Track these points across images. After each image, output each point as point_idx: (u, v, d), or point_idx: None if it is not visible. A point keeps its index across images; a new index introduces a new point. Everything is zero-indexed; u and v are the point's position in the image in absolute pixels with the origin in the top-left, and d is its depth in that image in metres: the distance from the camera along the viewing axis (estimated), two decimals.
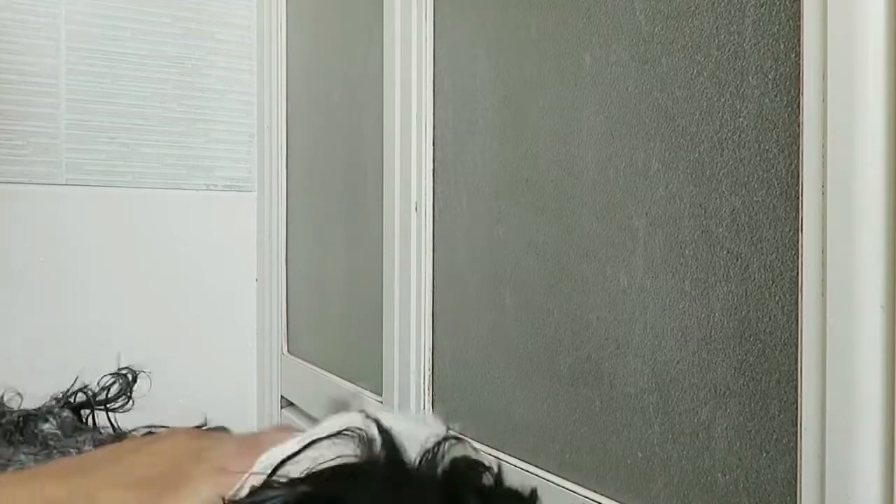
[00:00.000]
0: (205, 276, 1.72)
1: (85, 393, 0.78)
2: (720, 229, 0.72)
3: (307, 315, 1.66)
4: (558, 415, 0.91)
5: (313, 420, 1.51)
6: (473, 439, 0.93)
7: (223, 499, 0.44)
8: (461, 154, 1.10)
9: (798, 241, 0.63)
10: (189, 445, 0.53)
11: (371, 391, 1.34)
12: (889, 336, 0.57)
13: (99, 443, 0.73)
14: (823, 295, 0.60)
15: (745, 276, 0.70)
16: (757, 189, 0.69)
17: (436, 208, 1.16)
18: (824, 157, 0.60)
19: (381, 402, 1.28)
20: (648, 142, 0.79)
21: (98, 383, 0.78)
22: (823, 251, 0.60)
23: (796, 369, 0.64)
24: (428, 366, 1.17)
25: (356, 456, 0.43)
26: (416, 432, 0.45)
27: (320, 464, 0.43)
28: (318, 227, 1.60)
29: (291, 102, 1.71)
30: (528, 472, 0.94)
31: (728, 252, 0.71)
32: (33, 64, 1.58)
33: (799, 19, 0.63)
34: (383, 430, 0.44)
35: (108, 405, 0.78)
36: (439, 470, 0.44)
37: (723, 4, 0.72)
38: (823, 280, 0.60)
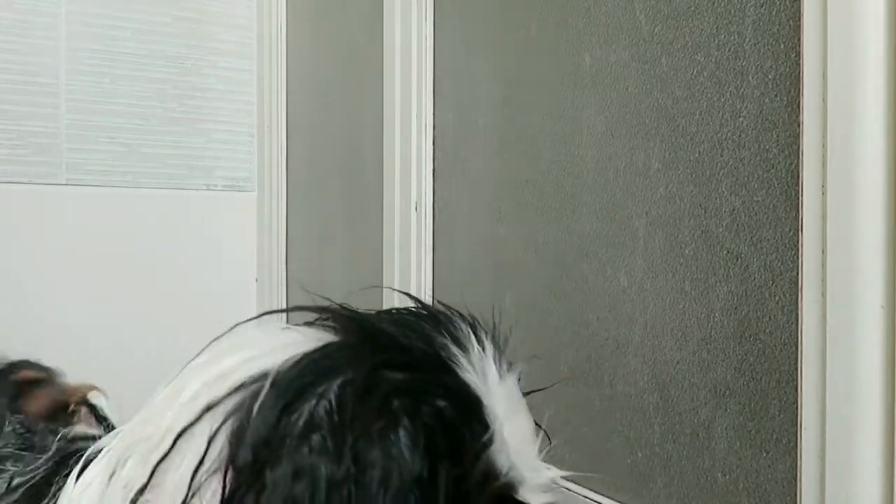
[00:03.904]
0: (205, 276, 1.72)
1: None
2: (720, 229, 0.72)
3: (307, 315, 1.66)
4: (558, 415, 0.91)
5: None
6: None
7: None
8: (461, 154, 1.10)
9: (798, 241, 0.63)
10: None
11: None
12: (889, 336, 0.57)
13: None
14: (823, 295, 0.60)
15: (745, 276, 0.70)
16: (757, 189, 0.69)
17: (436, 208, 1.16)
18: (824, 157, 0.60)
19: None
20: (648, 142, 0.79)
21: None
22: (823, 251, 0.60)
23: (796, 369, 0.64)
24: None
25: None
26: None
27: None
28: (318, 226, 1.60)
29: (291, 102, 1.70)
30: None
31: (728, 252, 0.72)
32: (33, 64, 1.58)
33: (799, 19, 0.63)
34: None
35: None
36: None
37: (723, 4, 0.72)
38: (823, 280, 0.60)
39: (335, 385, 0.41)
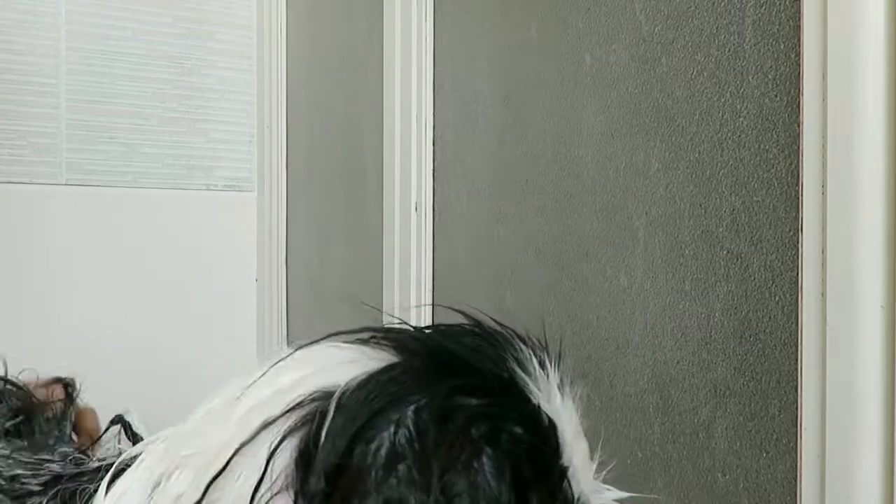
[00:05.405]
0: (205, 276, 1.72)
1: None
2: (720, 229, 0.72)
3: (307, 315, 1.66)
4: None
5: None
6: None
7: None
8: (461, 154, 1.10)
9: (798, 241, 0.63)
10: None
11: None
12: (889, 336, 0.57)
13: None
14: (823, 295, 0.60)
15: (745, 276, 0.70)
16: (757, 189, 0.69)
17: (436, 208, 1.16)
18: (824, 157, 0.60)
19: None
20: (648, 142, 0.79)
21: None
22: (823, 251, 0.60)
23: (796, 369, 0.64)
24: None
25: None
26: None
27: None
28: (318, 227, 1.60)
29: (291, 102, 1.70)
30: None
31: (728, 252, 0.72)
32: (33, 64, 1.58)
33: (799, 19, 0.63)
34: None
35: None
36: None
37: (723, 4, 0.72)
38: (823, 280, 0.60)
39: (410, 411, 0.40)
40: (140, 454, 0.45)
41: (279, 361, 0.45)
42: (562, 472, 0.42)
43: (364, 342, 0.45)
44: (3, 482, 0.54)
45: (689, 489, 0.75)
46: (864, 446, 0.58)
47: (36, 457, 0.60)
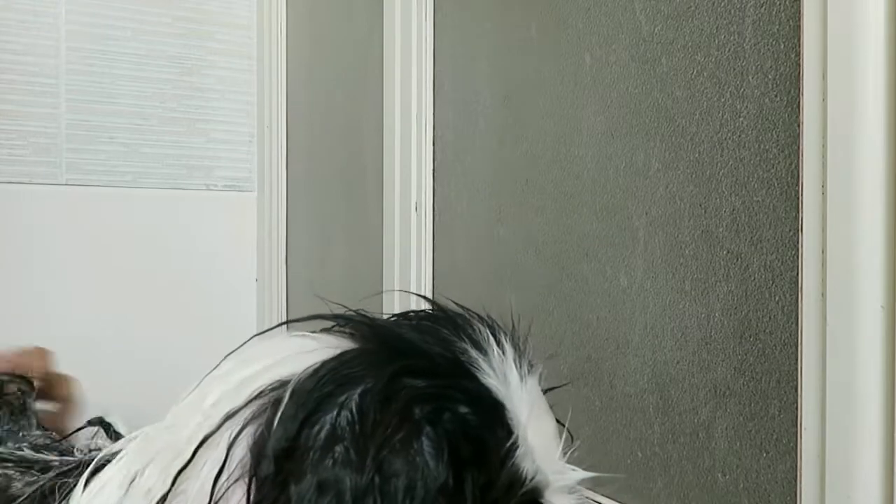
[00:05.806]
0: (205, 276, 1.72)
1: None
2: (720, 229, 0.72)
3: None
4: (558, 415, 0.91)
5: None
6: None
7: None
8: (461, 154, 1.10)
9: (798, 241, 0.63)
10: None
11: None
12: (889, 336, 0.57)
13: None
14: (823, 295, 0.60)
15: (745, 276, 0.70)
16: (757, 189, 0.69)
17: (436, 208, 1.16)
18: (824, 157, 0.60)
19: None
20: (648, 142, 0.79)
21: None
22: (823, 251, 0.60)
23: (796, 369, 0.64)
24: None
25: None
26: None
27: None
28: (318, 227, 1.60)
29: (291, 102, 1.70)
30: None
31: (728, 252, 0.72)
32: (33, 64, 1.58)
33: (799, 19, 0.63)
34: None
35: None
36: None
37: (723, 4, 0.72)
38: (823, 280, 0.60)
39: (356, 394, 0.40)
40: (120, 451, 0.45)
41: (243, 353, 0.46)
42: (507, 452, 0.42)
43: (326, 331, 0.45)
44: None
45: (689, 489, 0.75)
46: (864, 446, 0.58)
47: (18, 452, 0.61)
